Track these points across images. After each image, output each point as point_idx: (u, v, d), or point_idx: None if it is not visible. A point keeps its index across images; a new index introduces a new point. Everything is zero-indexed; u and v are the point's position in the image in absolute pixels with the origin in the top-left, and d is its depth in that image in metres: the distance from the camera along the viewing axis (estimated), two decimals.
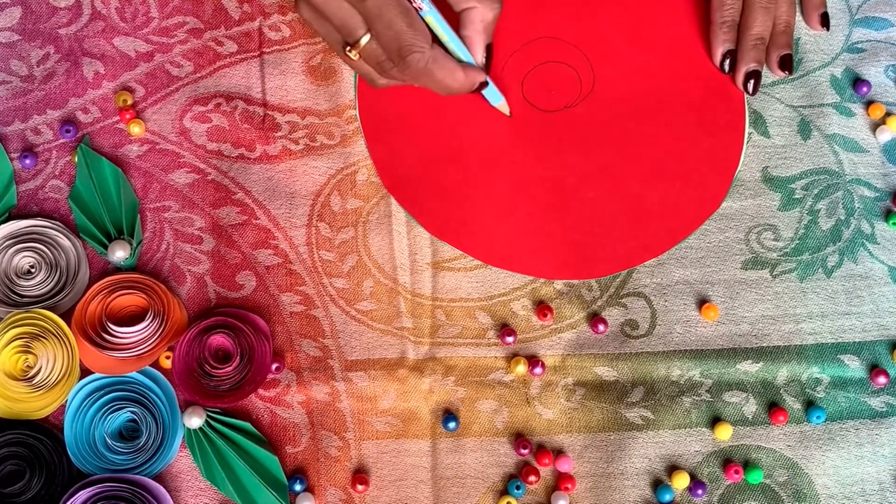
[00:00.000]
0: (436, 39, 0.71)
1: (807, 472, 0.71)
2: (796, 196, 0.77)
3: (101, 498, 0.68)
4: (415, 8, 0.69)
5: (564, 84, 0.79)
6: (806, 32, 0.80)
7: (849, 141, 0.78)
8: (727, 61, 0.78)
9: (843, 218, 0.76)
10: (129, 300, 0.72)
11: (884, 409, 0.72)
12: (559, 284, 0.75)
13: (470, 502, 0.70)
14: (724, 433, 0.71)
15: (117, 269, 0.74)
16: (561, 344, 0.73)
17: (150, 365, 0.71)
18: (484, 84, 0.74)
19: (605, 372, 0.73)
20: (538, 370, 0.72)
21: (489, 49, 0.74)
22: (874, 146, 0.78)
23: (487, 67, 0.74)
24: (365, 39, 0.69)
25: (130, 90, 0.78)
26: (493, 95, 0.76)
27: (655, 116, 0.78)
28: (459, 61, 0.73)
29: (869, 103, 0.78)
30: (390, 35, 0.68)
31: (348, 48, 0.70)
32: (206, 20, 0.79)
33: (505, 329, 0.73)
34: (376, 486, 0.70)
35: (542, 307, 0.74)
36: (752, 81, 0.78)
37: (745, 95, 0.79)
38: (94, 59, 0.78)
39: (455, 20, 0.73)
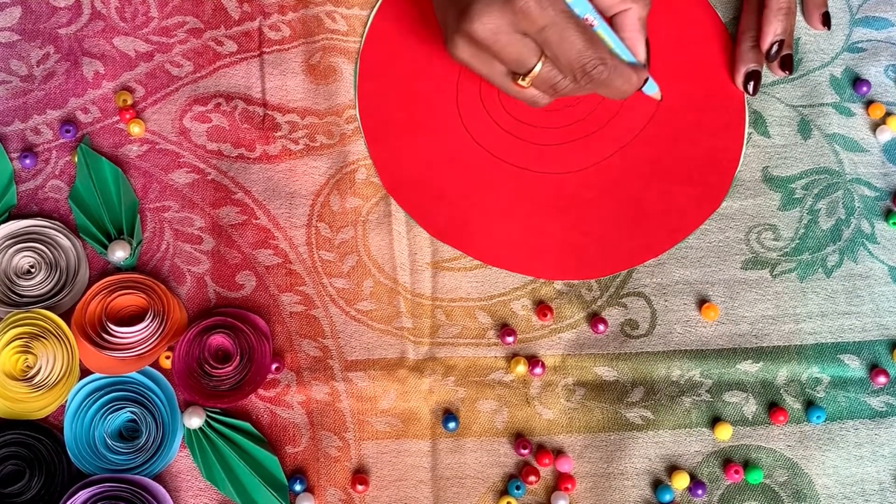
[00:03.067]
0: None
1: (807, 472, 0.71)
2: (796, 196, 0.77)
3: (101, 498, 0.68)
4: (587, 24, 0.69)
5: None
6: (806, 32, 0.80)
7: (849, 140, 0.78)
8: (751, 83, 0.78)
9: (843, 217, 0.76)
10: (129, 300, 0.72)
11: (884, 409, 0.72)
12: (559, 284, 0.75)
13: (470, 502, 0.70)
14: (724, 433, 0.71)
15: (117, 269, 0.74)
16: (561, 344, 0.73)
17: (150, 365, 0.71)
18: (646, 80, 0.74)
19: (605, 372, 0.73)
20: (538, 370, 0.72)
21: (647, 45, 0.74)
22: (874, 146, 0.78)
23: (648, 62, 0.74)
24: (538, 67, 0.69)
25: (130, 90, 0.78)
26: (650, 87, 0.76)
27: (655, 116, 0.78)
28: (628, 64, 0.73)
29: (869, 103, 0.78)
30: (572, 56, 0.68)
31: (520, 77, 0.69)
32: (206, 20, 0.79)
33: (505, 329, 0.73)
34: (376, 487, 0.70)
35: (542, 307, 0.74)
36: (752, 82, 0.78)
37: (745, 95, 0.79)
38: (94, 58, 0.78)
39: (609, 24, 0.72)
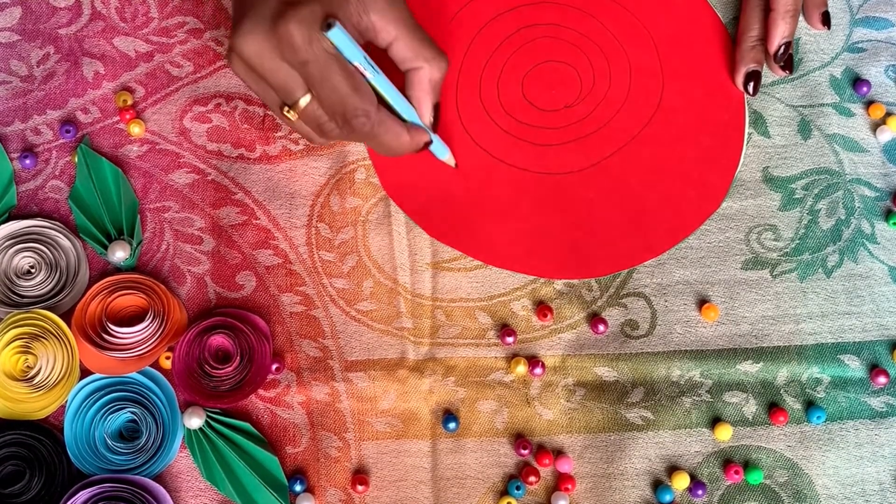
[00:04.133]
0: (381, 100, 0.69)
1: (807, 473, 0.71)
2: (796, 196, 0.77)
3: (101, 498, 0.68)
4: (359, 72, 0.67)
5: (565, 83, 0.79)
6: (806, 32, 0.80)
7: (849, 141, 0.78)
8: (751, 83, 0.78)
9: (843, 218, 0.76)
10: (129, 300, 0.72)
11: (884, 409, 0.72)
12: (559, 284, 0.75)
13: (470, 502, 0.70)
14: (724, 433, 0.71)
15: (117, 270, 0.74)
16: (561, 344, 0.73)
17: (150, 365, 0.71)
18: (429, 143, 0.72)
19: (605, 372, 0.73)
20: (538, 370, 0.72)
21: (436, 108, 0.72)
22: (874, 146, 0.78)
23: (435, 126, 0.72)
24: (305, 101, 0.66)
25: (130, 90, 0.78)
26: (440, 150, 0.74)
27: (655, 116, 0.78)
28: (404, 121, 0.71)
29: (869, 103, 0.78)
30: (334, 99, 0.66)
31: (286, 109, 0.67)
32: (206, 20, 0.79)
33: (505, 329, 0.73)
34: (376, 487, 0.70)
35: (542, 307, 0.74)
36: (752, 82, 0.78)
37: (745, 95, 0.79)
38: (94, 59, 0.78)
39: (400, 79, 0.71)
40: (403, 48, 0.69)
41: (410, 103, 0.71)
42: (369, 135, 0.68)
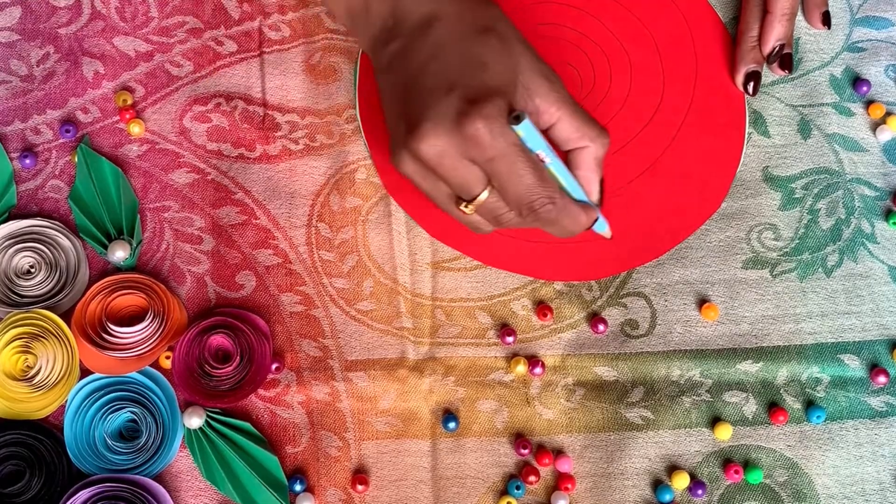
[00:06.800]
0: None
1: (807, 472, 0.71)
2: (796, 195, 0.77)
3: (101, 498, 0.68)
4: (540, 159, 0.66)
5: (565, 82, 0.79)
6: (806, 32, 0.80)
7: (849, 140, 0.78)
8: (751, 83, 0.78)
9: (843, 217, 0.76)
10: (129, 300, 0.72)
11: (884, 409, 0.72)
12: (559, 284, 0.75)
13: (470, 502, 0.70)
14: (724, 433, 0.71)
15: (117, 269, 0.74)
16: (561, 344, 0.73)
17: (150, 365, 0.71)
18: (596, 220, 0.70)
19: (605, 372, 0.73)
20: (538, 370, 0.72)
21: (602, 184, 0.70)
22: (874, 145, 0.78)
23: (601, 202, 0.71)
24: (485, 195, 0.65)
25: (130, 90, 0.78)
26: (601, 226, 0.72)
27: (655, 116, 0.78)
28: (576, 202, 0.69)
29: (869, 103, 0.78)
30: (521, 190, 0.65)
31: (463, 203, 0.67)
32: (206, 20, 0.79)
33: (505, 329, 0.73)
34: (376, 486, 0.70)
35: (541, 307, 0.74)
36: (752, 82, 0.78)
37: (745, 95, 0.79)
38: (93, 58, 0.78)
39: (563, 159, 0.69)
40: (567, 128, 0.67)
41: (579, 183, 0.69)
42: (552, 220, 0.67)
